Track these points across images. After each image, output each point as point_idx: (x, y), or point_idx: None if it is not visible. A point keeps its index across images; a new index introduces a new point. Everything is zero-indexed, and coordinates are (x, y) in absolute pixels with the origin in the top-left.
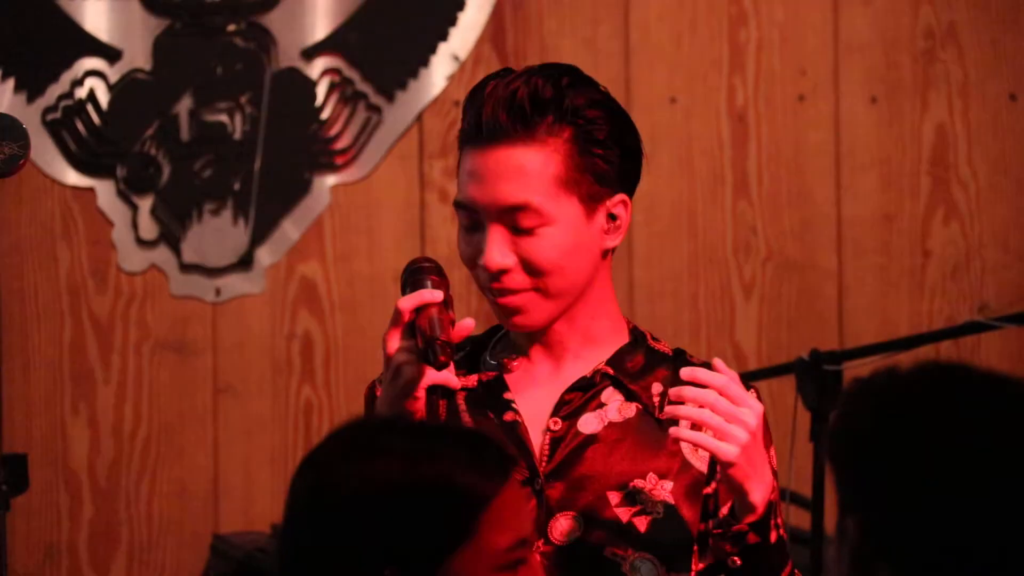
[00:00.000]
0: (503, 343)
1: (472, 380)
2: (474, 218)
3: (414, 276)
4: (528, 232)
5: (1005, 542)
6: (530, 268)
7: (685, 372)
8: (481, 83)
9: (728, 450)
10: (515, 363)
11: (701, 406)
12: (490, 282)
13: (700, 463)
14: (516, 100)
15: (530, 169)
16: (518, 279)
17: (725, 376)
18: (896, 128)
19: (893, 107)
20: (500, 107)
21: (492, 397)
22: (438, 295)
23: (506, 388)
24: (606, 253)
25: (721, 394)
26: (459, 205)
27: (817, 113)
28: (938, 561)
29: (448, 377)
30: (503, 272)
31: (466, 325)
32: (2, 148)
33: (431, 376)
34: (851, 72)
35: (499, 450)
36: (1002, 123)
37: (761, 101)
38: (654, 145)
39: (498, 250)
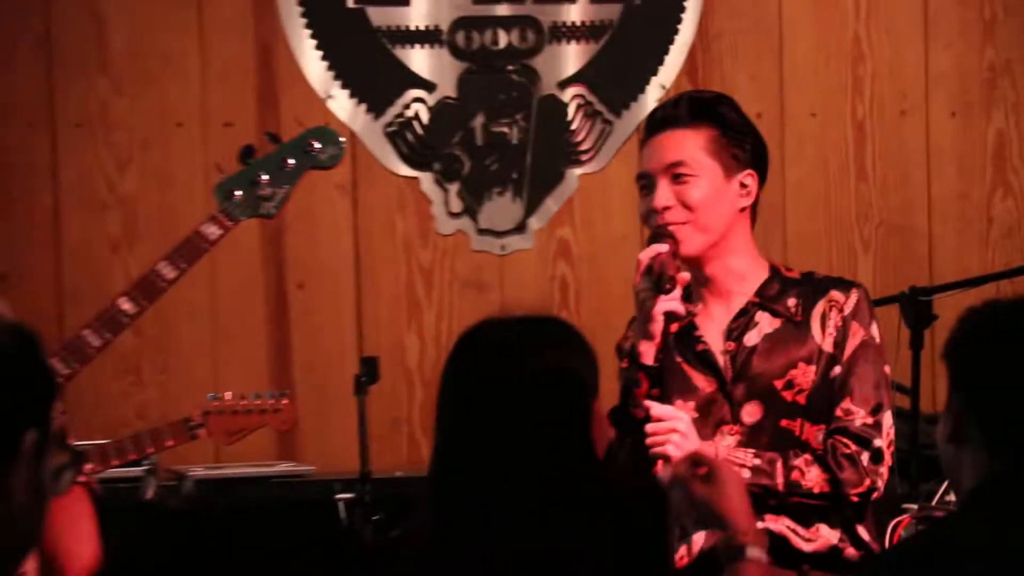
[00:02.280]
0: (690, 299)
1: (674, 327)
2: (648, 183)
3: (655, 238)
4: (683, 182)
5: None
6: (685, 205)
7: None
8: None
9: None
10: (697, 309)
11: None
12: (657, 219)
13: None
14: (682, 104)
15: (685, 141)
16: (676, 215)
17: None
18: (969, 133)
19: (967, 119)
20: (671, 107)
21: (689, 336)
22: (664, 247)
23: (695, 328)
24: (743, 210)
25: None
26: (639, 176)
27: (914, 124)
28: (1005, 420)
29: (676, 305)
30: (666, 209)
31: (684, 277)
32: (326, 150)
33: (664, 304)
34: (938, 95)
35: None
36: None
37: (875, 115)
38: (801, 146)
39: (662, 194)
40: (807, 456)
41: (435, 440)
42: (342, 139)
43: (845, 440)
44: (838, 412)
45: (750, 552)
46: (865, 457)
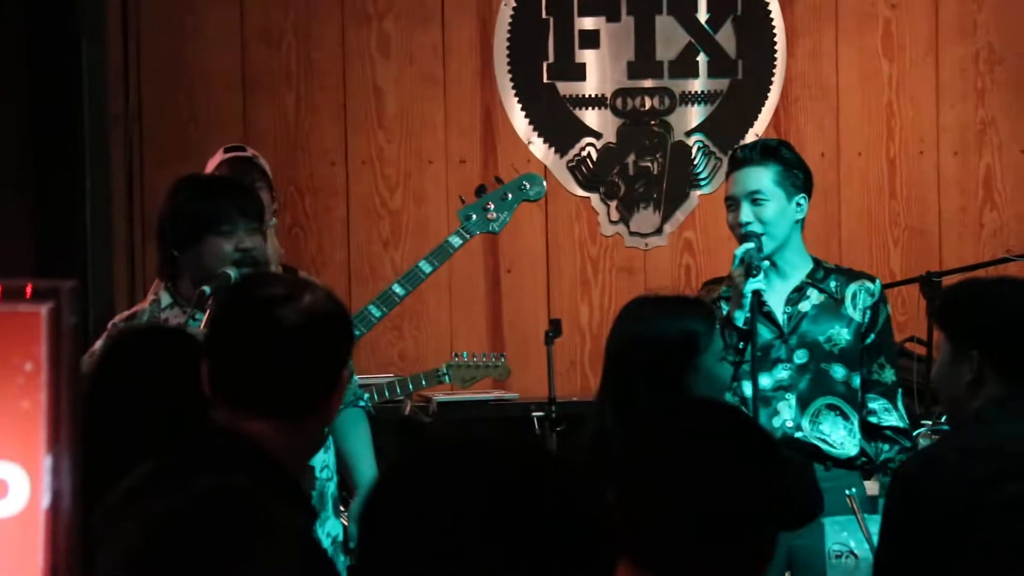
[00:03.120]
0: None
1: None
2: (734, 203)
3: (744, 240)
4: (759, 203)
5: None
6: (761, 220)
7: None
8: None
9: None
10: (766, 286)
11: None
12: (741, 230)
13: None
14: (756, 148)
15: (760, 175)
16: (756, 226)
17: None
18: (966, 167)
19: (965, 157)
20: (748, 150)
21: (760, 303)
22: (751, 245)
23: (764, 297)
24: (798, 222)
25: None
26: (727, 198)
27: (928, 160)
28: (1004, 350)
29: (760, 285)
30: (749, 222)
31: (762, 266)
32: (533, 188)
33: (752, 284)
34: (945, 140)
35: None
36: None
37: (902, 154)
38: (851, 175)
39: (745, 213)
40: (881, 433)
41: (603, 370)
42: (544, 183)
43: (893, 403)
44: (875, 366)
45: None
46: (899, 403)
